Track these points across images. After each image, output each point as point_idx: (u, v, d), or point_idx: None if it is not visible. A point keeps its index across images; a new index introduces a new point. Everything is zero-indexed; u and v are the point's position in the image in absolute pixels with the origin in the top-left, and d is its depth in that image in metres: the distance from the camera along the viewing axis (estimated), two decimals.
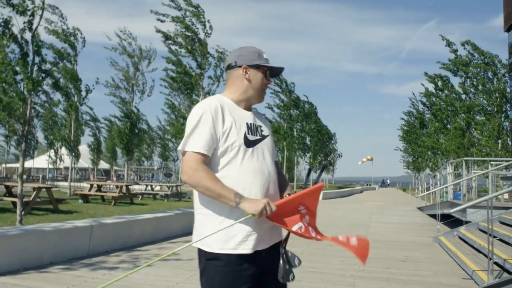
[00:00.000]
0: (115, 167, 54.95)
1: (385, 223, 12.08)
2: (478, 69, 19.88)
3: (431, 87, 29.05)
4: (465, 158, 9.43)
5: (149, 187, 19.72)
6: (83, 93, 18.66)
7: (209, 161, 1.85)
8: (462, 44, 20.83)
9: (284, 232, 1.97)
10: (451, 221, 10.02)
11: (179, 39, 16.77)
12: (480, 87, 20.27)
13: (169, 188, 18.88)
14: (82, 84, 18.72)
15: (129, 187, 15.89)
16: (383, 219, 13.12)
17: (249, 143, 1.90)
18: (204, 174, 1.77)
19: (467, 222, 8.67)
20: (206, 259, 1.83)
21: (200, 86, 16.91)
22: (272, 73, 2.02)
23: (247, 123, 1.94)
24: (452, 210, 5.58)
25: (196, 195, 1.92)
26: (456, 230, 8.17)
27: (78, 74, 18.43)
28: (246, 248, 1.80)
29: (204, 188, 1.78)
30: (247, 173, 1.85)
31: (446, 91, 26.20)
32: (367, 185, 61.05)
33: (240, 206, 1.73)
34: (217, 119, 1.84)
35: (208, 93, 17.13)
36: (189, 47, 16.49)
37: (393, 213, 15.71)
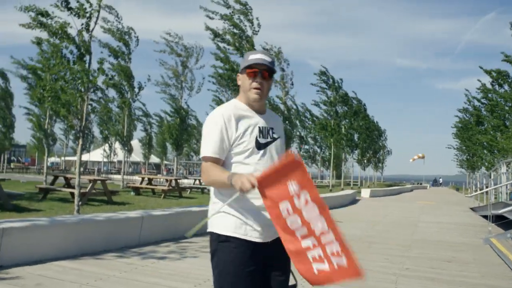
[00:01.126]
0: (165, 162, 56.59)
1: (434, 222, 11.76)
2: None
3: (487, 83, 27.74)
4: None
5: (197, 181, 20.21)
6: (136, 90, 19.43)
7: (222, 163, 2.05)
8: None
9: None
10: (505, 223, 9.62)
11: (227, 37, 17.07)
12: None
13: None
14: (135, 81, 19.54)
15: (178, 181, 16.39)
16: (432, 219, 12.76)
17: (260, 146, 2.07)
18: (209, 171, 2.00)
19: None
20: (219, 241, 2.03)
21: None
22: (261, 70, 2.07)
23: (259, 127, 2.10)
24: (502, 210, 5.40)
25: (211, 189, 2.15)
26: (510, 232, 7.84)
27: (131, 72, 19.18)
28: (254, 236, 2.00)
29: (212, 182, 2.04)
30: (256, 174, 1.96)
31: (506, 86, 24.93)
32: (418, 183, 59.18)
33: (232, 184, 1.87)
34: (230, 126, 2.03)
35: None
36: (237, 44, 16.73)
37: (443, 213, 15.23)
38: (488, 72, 25.70)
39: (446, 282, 4.86)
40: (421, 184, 58.21)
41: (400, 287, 4.57)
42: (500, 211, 5.70)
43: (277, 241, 1.97)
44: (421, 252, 6.94)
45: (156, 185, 16.85)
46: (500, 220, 12.27)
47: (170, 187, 15.60)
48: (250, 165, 2.03)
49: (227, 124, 2.02)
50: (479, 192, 9.24)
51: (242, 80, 2.12)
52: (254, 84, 2.06)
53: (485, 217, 13.05)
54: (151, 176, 17.30)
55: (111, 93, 19.34)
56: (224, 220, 2.03)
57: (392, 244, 7.62)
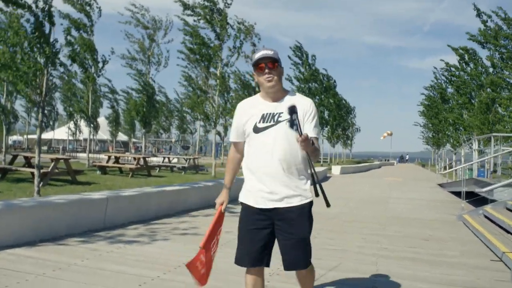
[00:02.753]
0: (133, 139, 55.44)
1: (405, 199, 11.82)
2: (507, 41, 18.96)
3: (454, 61, 28.07)
4: (494, 134, 8.99)
5: (166, 160, 19.72)
6: (100, 64, 18.53)
7: (241, 145, 2.63)
8: (495, 13, 19.76)
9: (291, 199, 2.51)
10: (475, 200, 9.70)
11: (198, 10, 16.37)
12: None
13: (186, 160, 18.86)
14: (99, 55, 18.60)
15: (147, 159, 15.88)
16: (403, 195, 12.85)
17: (257, 130, 2.48)
18: (227, 162, 2.79)
19: (492, 201, 8.34)
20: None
21: (219, 57, 16.59)
22: (266, 63, 2.43)
23: (262, 114, 2.48)
24: (484, 189, 5.29)
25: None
26: (482, 208, 7.87)
27: (94, 45, 18.23)
28: (253, 203, 2.53)
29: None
30: (253, 153, 2.52)
31: (471, 65, 25.29)
32: (386, 160, 60.38)
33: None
34: (241, 115, 2.57)
35: (227, 65, 16.82)
36: (208, 17, 16.09)
37: (413, 189, 15.41)
38: (455, 50, 26.01)
39: (427, 262, 4.73)
40: (388, 160, 59.41)
41: (381, 268, 4.40)
42: (484, 189, 5.57)
43: (282, 210, 2.46)
44: (396, 230, 6.84)
45: (123, 164, 16.28)
46: (470, 197, 12.46)
47: (138, 166, 15.09)
48: (250, 146, 2.54)
49: (240, 114, 2.57)
50: (452, 169, 9.26)
51: (256, 77, 2.50)
52: (264, 76, 2.42)
53: (454, 193, 13.25)
54: (118, 154, 16.71)
55: (74, 67, 18.39)
56: (241, 190, 2.63)
57: (367, 223, 7.50)
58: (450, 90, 32.66)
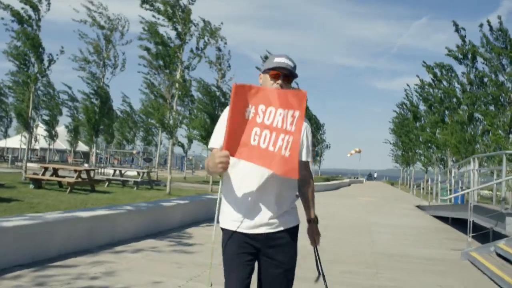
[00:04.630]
0: (94, 150, 52.29)
1: (388, 226, 10.14)
2: (493, 55, 17.96)
3: (428, 79, 27.34)
4: (507, 152, 7.51)
5: (117, 172, 17.51)
6: (45, 63, 16.31)
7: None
8: (480, 25, 18.79)
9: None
10: (464, 226, 8.12)
11: (158, 4, 14.52)
12: (492, 75, 18.35)
13: (139, 174, 16.72)
14: (45, 53, 16.39)
15: (90, 171, 13.71)
16: (384, 221, 11.20)
17: None
18: (207, 160, 2.15)
19: (503, 236, 6.75)
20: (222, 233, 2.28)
21: (179, 59, 14.71)
22: (283, 73, 2.19)
23: None
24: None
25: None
26: (493, 244, 6.24)
27: (40, 41, 16.02)
28: (238, 227, 2.18)
29: (208, 170, 2.13)
30: (245, 170, 2.15)
31: (444, 82, 24.43)
32: (355, 177, 59.48)
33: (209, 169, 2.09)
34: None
35: (188, 68, 14.97)
36: (169, 13, 14.24)
37: (392, 212, 13.84)
38: (429, 68, 25.16)
39: None
40: (357, 178, 58.52)
41: None
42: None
43: (270, 235, 2.16)
44: (393, 277, 5.09)
45: (63, 177, 14.01)
46: (457, 223, 10.96)
47: (79, 179, 12.90)
48: (241, 162, 2.12)
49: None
50: (461, 192, 7.73)
51: (264, 79, 2.24)
52: (276, 85, 2.17)
53: (441, 218, 11.76)
54: (57, 166, 14.41)
55: (9, 65, 16.15)
56: (221, 214, 2.27)
57: (351, 264, 5.73)
58: (422, 107, 32.03)
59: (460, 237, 8.90)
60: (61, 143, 55.12)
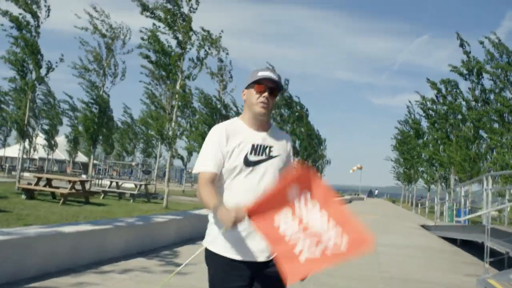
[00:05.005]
0: (93, 161, 51.83)
1: (394, 246, 9.63)
2: (499, 70, 17.60)
3: (431, 95, 27.06)
4: None
5: (114, 184, 17.02)
6: (43, 70, 15.96)
7: (217, 176, 2.06)
8: (481, 42, 18.49)
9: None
10: (473, 249, 7.66)
11: (158, 12, 14.21)
12: (497, 91, 17.99)
13: (136, 186, 16.23)
14: (44, 60, 16.05)
15: (85, 183, 13.24)
16: (389, 241, 10.68)
17: (248, 163, 2.07)
18: (201, 190, 2.00)
19: None
20: (206, 256, 2.11)
21: (179, 68, 14.33)
22: (268, 87, 2.10)
23: (252, 144, 2.10)
24: None
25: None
26: None
27: (38, 47, 15.69)
28: (234, 254, 2.02)
29: (201, 201, 2.02)
30: (240, 191, 2.04)
31: (449, 98, 24.08)
32: (355, 194, 58.90)
33: (216, 215, 1.90)
34: (222, 140, 2.07)
35: (188, 77, 14.59)
36: (169, 21, 13.91)
37: (396, 231, 13.32)
38: (433, 84, 24.85)
39: None
40: (358, 195, 57.93)
41: None
42: None
43: (266, 264, 2.03)
44: None
45: (58, 187, 13.53)
46: (466, 245, 10.46)
47: (73, 191, 12.42)
48: (237, 182, 2.06)
49: (222, 138, 2.07)
50: (477, 214, 7.22)
51: (248, 95, 2.15)
52: (261, 99, 2.09)
53: (449, 240, 11.25)
54: (51, 176, 13.95)
55: (7, 71, 15.80)
56: (212, 237, 2.08)
57: None
58: (425, 124, 31.66)
59: (472, 260, 8.40)
60: (61, 153, 54.82)
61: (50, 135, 45.54)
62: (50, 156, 51.96)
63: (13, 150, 51.16)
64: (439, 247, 10.17)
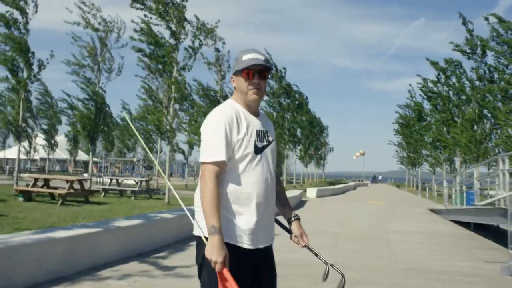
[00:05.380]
0: (94, 159, 51.58)
1: (406, 233, 9.26)
2: (505, 47, 17.10)
3: (432, 77, 26.62)
4: None
5: (114, 181, 16.66)
6: (35, 68, 15.53)
7: (225, 167, 1.92)
8: (486, 18, 17.96)
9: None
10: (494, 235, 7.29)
11: (149, 2, 13.70)
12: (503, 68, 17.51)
13: (137, 183, 15.86)
14: (35, 58, 15.60)
15: (83, 181, 12.87)
16: (400, 227, 10.32)
17: (257, 150, 2.00)
18: (210, 185, 1.84)
19: None
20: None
21: (174, 59, 13.88)
22: (257, 70, 2.01)
23: (256, 130, 2.03)
24: None
25: (197, 192, 1.96)
26: None
27: (28, 45, 15.23)
28: (242, 242, 1.92)
29: (203, 200, 1.84)
30: (253, 181, 1.95)
31: (453, 79, 23.56)
32: (359, 180, 58.60)
33: (208, 238, 1.79)
34: (232, 128, 1.94)
35: (183, 69, 14.15)
36: (161, 11, 13.42)
37: (406, 218, 12.94)
38: (434, 64, 24.34)
39: None
40: (362, 181, 57.62)
41: None
42: None
43: (267, 248, 2.02)
44: None
45: (56, 188, 13.16)
46: (480, 229, 10.11)
47: (71, 191, 12.06)
48: (247, 170, 1.96)
49: (230, 126, 1.94)
50: (499, 196, 6.80)
51: (238, 81, 2.06)
52: (251, 86, 2.01)
53: (461, 223, 10.88)
54: (48, 176, 13.58)
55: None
56: (230, 229, 1.92)
57: (381, 283, 4.86)
58: (427, 106, 31.14)
59: (489, 245, 8.01)
60: (61, 152, 54.47)
61: (50, 134, 45.20)
62: (51, 156, 51.68)
63: (14, 152, 50.79)
64: (452, 232, 9.80)
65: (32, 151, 47.09)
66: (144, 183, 15.95)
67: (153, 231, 6.40)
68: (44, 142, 45.47)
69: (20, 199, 12.29)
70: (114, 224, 5.64)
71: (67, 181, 12.39)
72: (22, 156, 50.29)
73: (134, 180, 17.01)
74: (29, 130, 43.47)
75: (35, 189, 12.36)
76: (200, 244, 1.92)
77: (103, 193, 15.48)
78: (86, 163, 53.58)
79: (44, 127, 43.72)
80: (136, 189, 15.24)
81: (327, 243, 7.39)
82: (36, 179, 12.77)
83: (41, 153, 49.03)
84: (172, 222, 6.91)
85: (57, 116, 42.48)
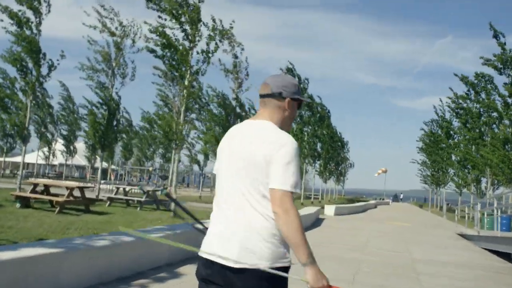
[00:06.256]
0: (113, 166, 51.47)
1: (436, 264, 8.05)
2: None
3: (460, 93, 25.26)
4: None
5: (121, 189, 15.86)
6: (45, 69, 14.98)
7: None
8: None
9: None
10: None
11: (164, 4, 13.01)
12: None
13: (144, 193, 15.02)
14: (46, 59, 15.07)
15: (84, 189, 12.07)
16: (428, 255, 9.11)
17: None
18: (299, 216, 1.79)
19: None
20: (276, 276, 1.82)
21: (188, 64, 13.09)
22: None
23: None
24: None
25: (259, 218, 1.83)
26: None
27: (39, 45, 14.70)
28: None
29: (293, 228, 1.75)
30: None
31: (483, 95, 22.23)
32: (380, 199, 56.78)
33: (306, 269, 1.76)
34: None
35: (197, 73, 13.34)
36: (175, 12, 12.70)
37: (433, 243, 11.69)
38: (464, 78, 23.09)
39: None
40: (383, 199, 55.80)
41: None
42: None
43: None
44: None
45: (57, 195, 12.39)
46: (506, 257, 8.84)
47: (70, 198, 11.26)
48: None
49: None
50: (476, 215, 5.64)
51: (293, 108, 2.01)
52: (295, 116, 2.08)
53: (497, 253, 9.61)
54: (49, 182, 12.85)
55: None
56: (282, 254, 1.85)
57: None
58: (456, 123, 29.72)
59: None
60: (80, 159, 54.53)
61: (69, 140, 45.24)
62: (69, 162, 51.75)
63: (33, 157, 51.03)
64: (490, 264, 8.52)
65: (51, 156, 47.24)
66: (152, 193, 15.09)
67: (141, 251, 5.45)
68: (63, 148, 45.57)
69: (17, 205, 11.56)
70: (90, 243, 4.70)
71: (67, 188, 11.61)
72: (41, 161, 50.46)
73: (142, 190, 16.17)
74: (49, 135, 43.64)
75: (32, 195, 11.61)
76: (268, 280, 1.77)
77: (108, 202, 14.69)
78: (104, 171, 53.49)
79: (64, 132, 43.80)
80: (142, 199, 14.38)
81: (343, 273, 6.31)
82: (35, 185, 12.02)
83: (60, 158, 49.11)
84: (166, 238, 5.92)
85: (78, 122, 42.48)
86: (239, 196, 1.83)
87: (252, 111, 24.36)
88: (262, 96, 2.00)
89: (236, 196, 1.84)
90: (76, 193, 12.32)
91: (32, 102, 15.07)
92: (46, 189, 12.18)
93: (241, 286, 1.77)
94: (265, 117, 1.96)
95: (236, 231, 1.81)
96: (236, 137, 1.93)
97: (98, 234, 7.02)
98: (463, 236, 13.53)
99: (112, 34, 18.61)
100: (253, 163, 1.83)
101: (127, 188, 15.97)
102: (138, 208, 14.17)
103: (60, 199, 11.09)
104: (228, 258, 1.77)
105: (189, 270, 5.38)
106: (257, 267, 1.76)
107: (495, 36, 19.38)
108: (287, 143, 1.84)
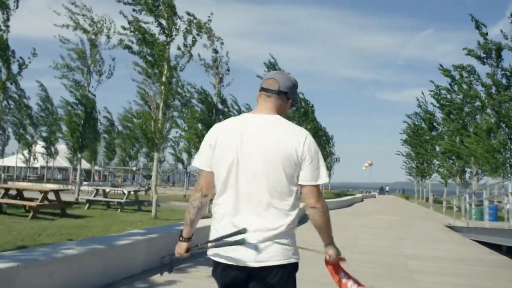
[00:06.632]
0: (96, 167, 50.47)
1: (430, 260, 7.69)
2: None
3: (443, 84, 25.23)
4: None
5: (100, 191, 15.27)
6: (15, 68, 14.30)
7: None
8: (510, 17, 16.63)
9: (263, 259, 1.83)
10: None
11: None
12: None
13: (124, 194, 14.46)
14: (15, 56, 14.38)
15: (60, 192, 11.47)
16: (420, 250, 8.80)
17: None
18: (327, 210, 2.01)
19: None
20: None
21: (165, 59, 12.55)
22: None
23: None
24: None
25: (290, 214, 1.94)
26: None
27: (7, 43, 13.99)
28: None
29: (328, 219, 2.00)
30: None
31: (464, 86, 22.15)
32: (367, 192, 56.91)
33: (329, 246, 2.07)
34: None
35: (175, 69, 12.81)
36: (150, 5, 12.15)
37: (423, 236, 11.43)
38: (445, 70, 23.03)
39: None
40: (369, 192, 55.93)
41: None
42: None
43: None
44: None
45: (31, 199, 11.76)
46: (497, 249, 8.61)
47: (45, 202, 10.67)
48: None
49: None
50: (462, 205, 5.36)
51: (288, 106, 2.08)
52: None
53: (488, 244, 9.36)
54: (22, 186, 12.21)
55: None
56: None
57: None
58: (439, 115, 29.71)
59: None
60: (62, 160, 53.40)
61: (49, 142, 44.13)
62: (51, 164, 50.60)
63: (10, 159, 49.73)
64: (485, 258, 8.20)
65: (31, 159, 46.04)
66: (132, 193, 14.54)
67: (112, 259, 4.97)
68: (43, 150, 44.50)
69: None
70: (53, 252, 4.20)
71: (40, 191, 11.01)
72: (22, 164, 49.15)
73: (122, 191, 15.60)
74: (28, 138, 42.47)
75: (3, 201, 10.97)
76: (291, 271, 1.95)
77: (87, 205, 14.10)
78: (87, 172, 52.48)
79: (44, 134, 42.73)
80: (123, 200, 13.83)
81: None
82: (7, 189, 11.38)
83: (41, 161, 48.00)
84: (137, 247, 5.45)
85: (57, 123, 41.47)
86: (261, 194, 1.83)
87: (235, 107, 23.88)
88: (268, 90, 2.00)
89: (257, 196, 1.84)
90: (52, 196, 11.73)
91: (3, 102, 14.35)
92: (19, 194, 11.54)
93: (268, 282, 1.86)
94: (270, 111, 1.97)
95: (260, 231, 1.84)
96: (244, 133, 1.87)
97: (70, 240, 6.53)
98: (452, 228, 13.32)
99: (85, 31, 17.95)
100: (278, 157, 1.83)
101: (107, 189, 15.37)
102: (119, 210, 13.63)
103: (33, 203, 10.50)
104: (252, 259, 1.83)
105: (166, 277, 4.92)
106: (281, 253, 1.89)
107: (477, 27, 19.28)
108: (307, 134, 1.91)
